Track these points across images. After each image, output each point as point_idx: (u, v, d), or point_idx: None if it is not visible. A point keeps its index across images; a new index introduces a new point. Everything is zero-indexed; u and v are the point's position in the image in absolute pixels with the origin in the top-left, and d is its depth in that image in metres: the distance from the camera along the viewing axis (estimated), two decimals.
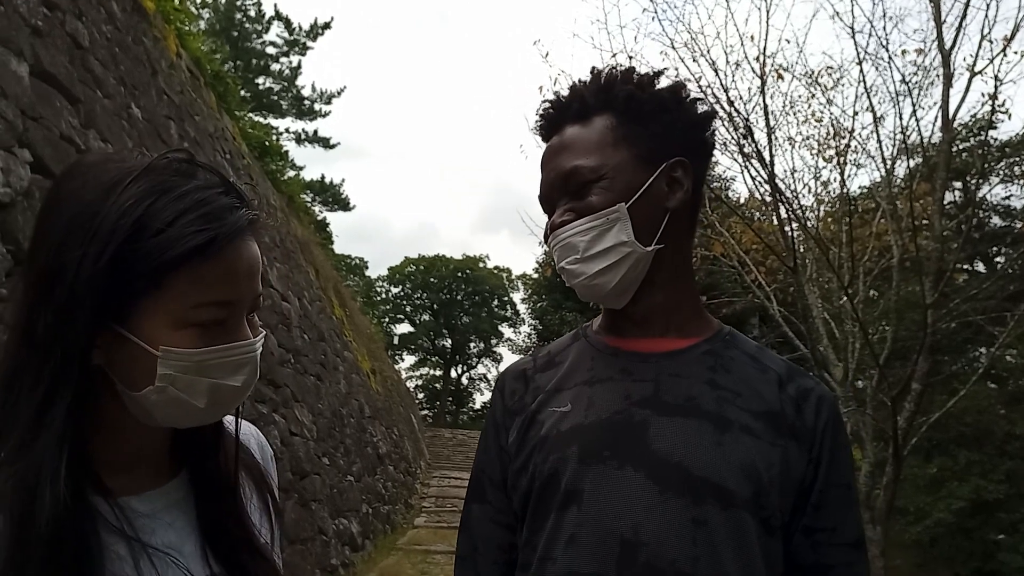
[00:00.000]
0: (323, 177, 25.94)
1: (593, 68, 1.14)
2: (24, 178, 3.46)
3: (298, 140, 24.75)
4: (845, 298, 6.80)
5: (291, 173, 17.05)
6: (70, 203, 0.76)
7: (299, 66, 24.32)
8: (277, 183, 12.21)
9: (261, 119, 20.57)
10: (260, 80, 23.61)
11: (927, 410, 7.78)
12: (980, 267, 15.83)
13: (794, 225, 6.95)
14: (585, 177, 1.06)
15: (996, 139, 13.20)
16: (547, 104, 1.16)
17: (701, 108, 1.13)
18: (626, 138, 1.08)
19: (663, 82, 1.13)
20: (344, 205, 26.83)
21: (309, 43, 24.01)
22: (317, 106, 24.86)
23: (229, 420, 0.96)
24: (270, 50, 23.72)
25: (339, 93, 25.23)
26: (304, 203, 17.20)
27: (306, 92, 24.67)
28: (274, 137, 16.25)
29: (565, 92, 1.15)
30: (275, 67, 24.01)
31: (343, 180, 26.47)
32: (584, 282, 1.08)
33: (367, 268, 41.36)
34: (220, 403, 0.82)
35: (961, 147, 12.28)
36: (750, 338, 1.17)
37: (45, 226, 0.77)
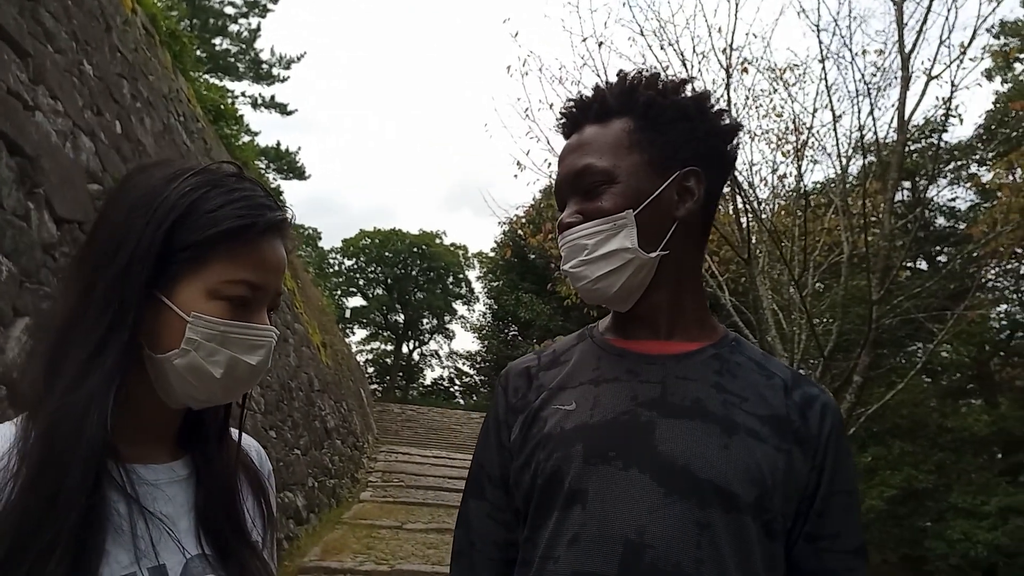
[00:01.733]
0: (279, 144, 25.42)
1: (620, 71, 1.14)
2: None
3: (254, 105, 24.21)
4: (795, 290, 6.95)
5: (246, 139, 16.64)
6: (139, 187, 0.90)
7: (258, 28, 23.79)
8: (231, 148, 11.91)
9: (216, 81, 20.01)
10: (217, 40, 22.96)
11: (866, 401, 8.04)
12: (923, 265, 16.35)
13: (749, 217, 7.06)
14: (596, 178, 1.07)
15: (946, 142, 13.62)
16: (570, 103, 1.15)
17: (725, 120, 1.12)
18: (641, 143, 1.08)
19: (690, 90, 1.12)
20: (299, 174, 26.37)
21: (270, 5, 23.46)
22: (276, 71, 24.36)
23: (233, 430, 1.05)
24: (228, 10, 23.11)
25: (299, 59, 24.73)
26: (258, 170, 16.83)
27: (265, 56, 24.11)
28: (229, 100, 15.83)
29: (589, 93, 1.14)
30: (233, 28, 23.40)
31: (299, 148, 25.93)
32: (587, 285, 1.08)
33: (320, 239, 40.84)
34: (234, 378, 0.90)
35: (913, 148, 12.62)
36: None
37: (114, 204, 0.90)
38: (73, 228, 4.12)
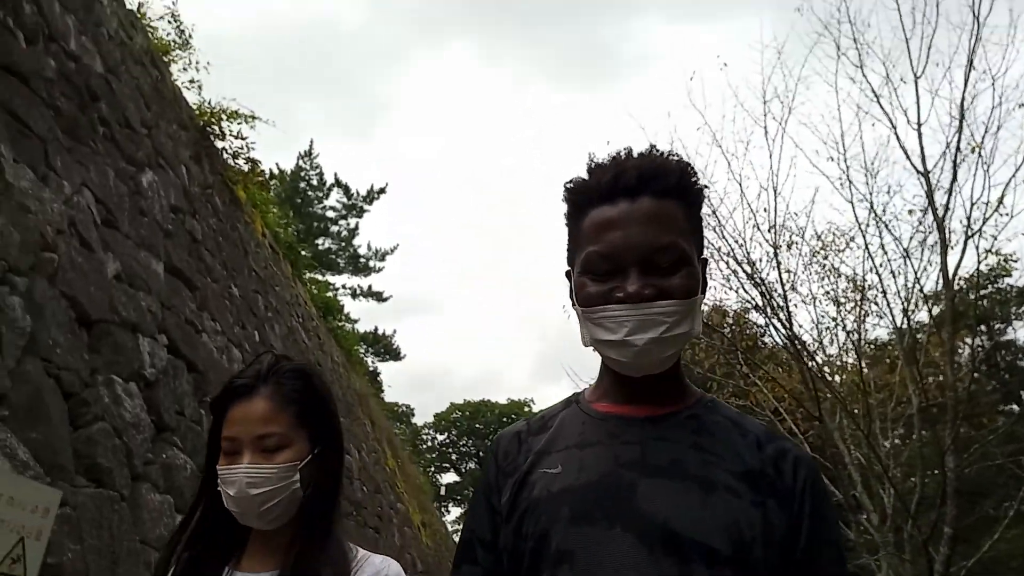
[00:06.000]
0: (376, 329, 27.22)
1: (653, 146, 1.19)
2: (163, 359, 4.32)
3: (353, 295, 26.24)
4: (867, 448, 7.17)
5: (347, 327, 18.17)
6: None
7: (356, 227, 26.26)
8: (338, 338, 13.20)
9: (320, 276, 22.09)
10: (320, 240, 25.48)
11: (970, 553, 7.87)
12: (1015, 407, 15.73)
13: (816, 379, 7.44)
14: (676, 256, 1.08)
15: (1012, 286, 13.64)
16: (624, 162, 1.14)
17: None
18: (694, 230, 1.15)
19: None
20: (395, 355, 27.89)
21: (365, 207, 26.05)
22: (372, 263, 26.55)
23: (366, 554, 1.39)
24: (330, 214, 25.81)
25: (392, 250, 26.97)
26: (359, 354, 18.16)
27: (362, 251, 26.47)
28: (331, 293, 17.50)
29: (641, 156, 1.15)
30: (334, 229, 25.96)
31: (394, 331, 27.57)
32: (652, 360, 1.09)
33: (413, 415, 41.77)
34: (245, 505, 1.30)
35: (981, 294, 12.73)
36: None
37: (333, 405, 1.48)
38: None
